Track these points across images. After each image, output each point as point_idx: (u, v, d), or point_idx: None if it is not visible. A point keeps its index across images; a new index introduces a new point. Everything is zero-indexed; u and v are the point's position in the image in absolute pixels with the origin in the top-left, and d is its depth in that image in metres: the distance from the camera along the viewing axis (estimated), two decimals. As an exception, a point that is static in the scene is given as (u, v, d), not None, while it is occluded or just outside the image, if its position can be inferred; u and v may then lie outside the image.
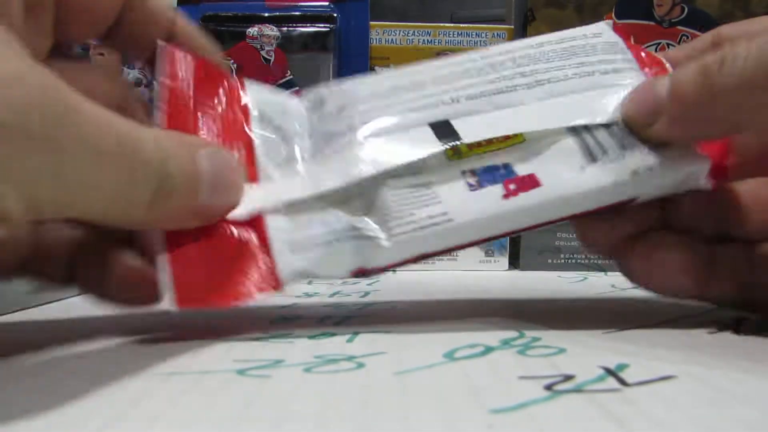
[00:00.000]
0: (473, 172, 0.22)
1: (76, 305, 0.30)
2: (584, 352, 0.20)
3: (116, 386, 0.17)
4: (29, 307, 0.29)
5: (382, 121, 0.23)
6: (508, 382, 0.17)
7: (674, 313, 0.26)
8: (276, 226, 0.22)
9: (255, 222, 0.22)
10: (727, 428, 0.14)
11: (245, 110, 0.24)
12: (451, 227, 0.21)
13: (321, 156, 0.24)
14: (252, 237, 0.21)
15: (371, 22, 0.44)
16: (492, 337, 0.22)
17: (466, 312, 0.27)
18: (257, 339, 0.22)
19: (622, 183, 0.22)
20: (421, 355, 0.20)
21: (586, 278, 0.39)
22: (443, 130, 0.23)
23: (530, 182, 0.22)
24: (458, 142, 0.23)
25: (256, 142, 0.24)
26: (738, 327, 0.23)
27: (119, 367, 0.19)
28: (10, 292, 0.28)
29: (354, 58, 0.43)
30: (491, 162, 0.23)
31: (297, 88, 0.40)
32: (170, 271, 0.20)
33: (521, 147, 0.23)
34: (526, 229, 0.23)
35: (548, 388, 0.16)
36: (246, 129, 0.24)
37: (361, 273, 0.22)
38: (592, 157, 0.22)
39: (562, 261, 0.42)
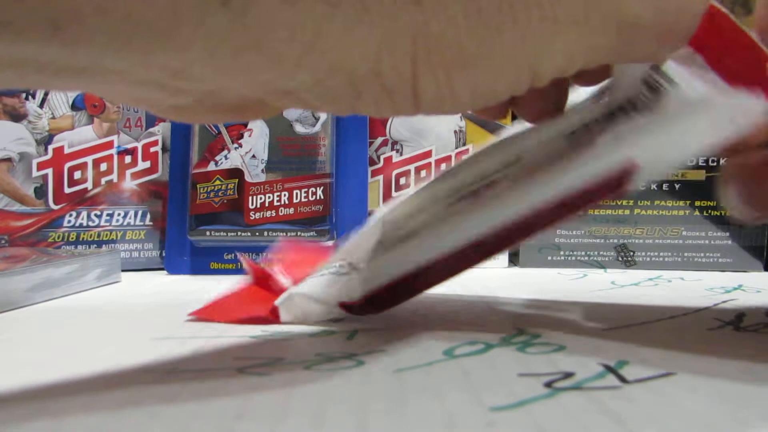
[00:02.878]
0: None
1: (77, 304, 0.30)
2: (584, 349, 0.20)
3: (115, 384, 0.17)
4: (26, 306, 0.29)
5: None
6: (508, 380, 0.17)
7: (674, 311, 0.26)
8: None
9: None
10: (726, 425, 0.14)
11: None
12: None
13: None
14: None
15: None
16: (492, 334, 0.22)
17: (466, 309, 0.27)
18: (257, 337, 0.22)
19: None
20: (420, 352, 0.20)
21: (585, 275, 0.39)
22: None
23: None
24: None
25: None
26: (738, 324, 0.23)
27: (119, 364, 0.19)
28: (8, 291, 0.28)
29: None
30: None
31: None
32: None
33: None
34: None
35: (548, 385, 0.16)
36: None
37: (347, 307, 0.23)
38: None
39: (562, 258, 0.42)
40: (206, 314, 0.25)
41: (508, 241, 0.20)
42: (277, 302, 0.24)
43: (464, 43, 0.15)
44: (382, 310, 0.23)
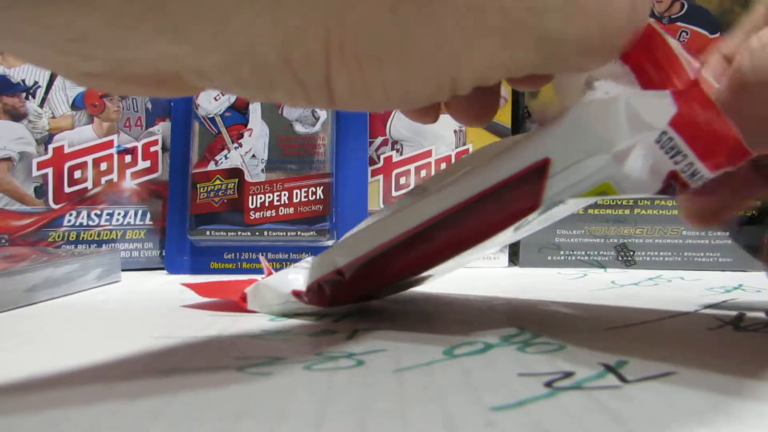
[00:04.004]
0: None
1: (77, 303, 0.30)
2: (584, 348, 0.20)
3: (115, 383, 0.17)
4: (26, 306, 0.29)
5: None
6: (508, 380, 0.17)
7: (674, 310, 0.26)
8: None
9: None
10: (725, 425, 0.14)
11: None
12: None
13: None
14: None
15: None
16: (492, 334, 0.22)
17: (466, 309, 0.27)
18: (257, 336, 0.22)
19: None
20: (420, 352, 0.20)
21: (585, 275, 0.39)
22: None
23: None
24: None
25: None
26: (738, 323, 0.23)
27: (119, 363, 0.19)
28: (8, 291, 0.28)
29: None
30: None
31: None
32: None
33: None
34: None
35: (548, 385, 0.16)
36: None
37: (299, 295, 0.25)
38: None
39: (562, 258, 0.42)
40: (195, 287, 0.29)
41: (444, 237, 0.21)
42: (246, 290, 0.26)
43: (378, 39, 0.15)
44: (332, 302, 0.24)
